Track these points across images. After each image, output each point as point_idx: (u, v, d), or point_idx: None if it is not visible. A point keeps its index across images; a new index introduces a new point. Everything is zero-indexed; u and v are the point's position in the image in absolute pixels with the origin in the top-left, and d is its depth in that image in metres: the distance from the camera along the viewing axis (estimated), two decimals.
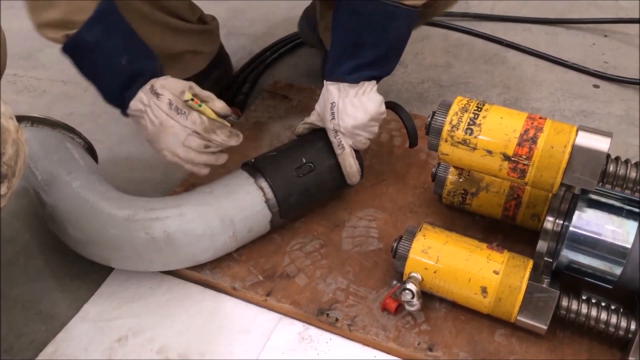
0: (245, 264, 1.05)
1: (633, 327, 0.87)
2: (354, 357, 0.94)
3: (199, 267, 1.03)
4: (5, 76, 1.64)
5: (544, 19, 1.86)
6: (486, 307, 0.92)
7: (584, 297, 0.90)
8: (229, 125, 1.04)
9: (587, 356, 0.91)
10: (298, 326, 0.98)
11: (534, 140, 0.85)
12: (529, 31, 1.82)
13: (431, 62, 1.68)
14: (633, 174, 0.84)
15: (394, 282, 0.96)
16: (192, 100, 0.96)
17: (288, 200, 1.04)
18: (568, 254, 0.88)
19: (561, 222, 0.92)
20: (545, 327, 0.89)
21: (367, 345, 0.95)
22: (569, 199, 0.92)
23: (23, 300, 1.03)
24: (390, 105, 1.09)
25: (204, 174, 1.04)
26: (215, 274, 1.04)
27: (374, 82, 1.05)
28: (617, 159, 0.86)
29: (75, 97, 1.58)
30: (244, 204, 1.01)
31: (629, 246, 0.84)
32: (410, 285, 0.92)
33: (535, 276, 0.91)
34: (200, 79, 1.44)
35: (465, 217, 1.13)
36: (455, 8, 1.87)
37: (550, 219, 0.92)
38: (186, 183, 1.21)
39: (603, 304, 0.90)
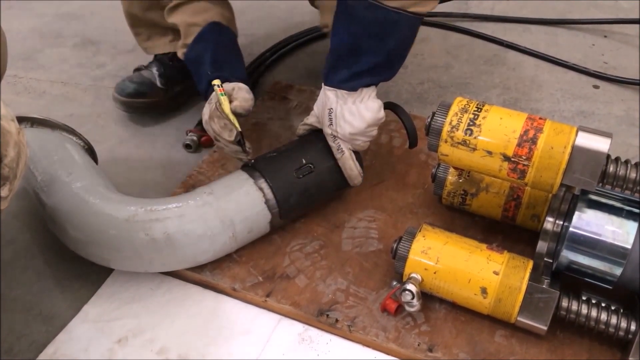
0: (245, 265, 1.05)
1: (633, 327, 0.87)
2: (354, 358, 0.94)
3: (199, 268, 1.03)
4: (5, 77, 1.63)
5: (543, 20, 1.86)
6: (486, 307, 0.92)
7: (584, 298, 0.91)
8: (236, 123, 1.06)
9: (587, 357, 0.91)
10: (298, 327, 0.98)
11: (533, 140, 0.85)
12: (529, 32, 1.83)
13: (431, 62, 1.68)
14: (633, 175, 0.84)
15: (394, 283, 0.96)
16: (219, 87, 1.07)
17: (288, 201, 1.04)
18: (568, 255, 0.88)
19: (561, 222, 0.92)
20: (545, 328, 0.89)
21: (367, 346, 0.95)
22: (569, 200, 0.92)
23: (23, 301, 1.03)
24: (389, 106, 1.09)
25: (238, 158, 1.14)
26: (215, 275, 1.04)
27: (372, 87, 1.04)
28: (617, 159, 0.86)
29: (75, 98, 1.58)
30: (244, 204, 1.01)
31: (629, 247, 0.84)
32: (410, 286, 0.92)
33: (535, 277, 0.91)
34: None
35: (465, 217, 1.13)
36: (455, 9, 1.88)
37: (550, 219, 0.92)
38: (186, 184, 1.21)
39: (603, 305, 0.90)
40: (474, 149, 0.89)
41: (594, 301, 0.90)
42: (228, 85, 1.09)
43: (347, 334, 0.96)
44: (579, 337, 0.93)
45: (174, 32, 1.40)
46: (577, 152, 0.83)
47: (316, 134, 1.11)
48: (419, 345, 0.92)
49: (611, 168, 0.85)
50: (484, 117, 0.89)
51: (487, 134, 0.88)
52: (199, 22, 1.17)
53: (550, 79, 1.62)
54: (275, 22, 1.83)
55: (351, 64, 1.01)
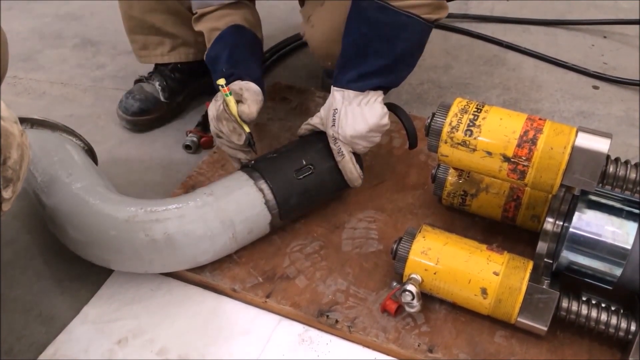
0: (245, 266, 1.05)
1: (633, 328, 0.87)
2: (354, 359, 0.94)
3: (199, 269, 1.03)
4: (5, 78, 1.64)
5: (543, 20, 1.86)
6: (486, 308, 0.92)
7: (584, 298, 0.90)
8: (244, 126, 1.06)
9: (587, 357, 0.91)
10: (298, 328, 0.98)
11: (533, 141, 0.85)
12: (529, 32, 1.83)
13: (431, 63, 1.68)
14: (633, 175, 0.84)
15: (394, 284, 0.96)
16: (223, 87, 1.05)
17: (288, 201, 1.04)
18: (568, 255, 0.88)
19: (561, 223, 0.92)
20: (545, 328, 0.89)
21: (367, 346, 0.95)
22: (569, 200, 0.92)
23: (23, 301, 1.03)
24: (389, 107, 1.09)
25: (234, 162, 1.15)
26: (215, 275, 1.03)
27: (380, 92, 1.05)
28: (616, 160, 0.86)
29: (75, 99, 1.58)
30: (244, 205, 1.01)
31: (629, 247, 0.84)
32: (410, 287, 0.92)
33: (535, 277, 0.91)
34: (200, 74, 1.46)
35: (465, 218, 1.13)
36: (455, 9, 1.88)
37: (550, 220, 0.92)
38: (186, 185, 1.21)
39: (603, 305, 0.90)
40: (474, 150, 0.89)
41: (594, 302, 0.90)
42: (236, 85, 1.08)
43: (347, 335, 0.96)
44: (579, 337, 0.93)
45: (173, 41, 1.41)
46: (577, 153, 0.83)
47: (316, 135, 1.11)
48: (419, 345, 0.92)
49: (611, 168, 0.85)
50: (483, 118, 0.89)
51: (487, 134, 0.88)
52: (221, 26, 1.18)
53: (550, 79, 1.62)
54: (275, 23, 1.84)
55: (360, 64, 1.02)
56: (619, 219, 0.85)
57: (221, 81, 1.07)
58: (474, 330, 0.95)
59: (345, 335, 0.96)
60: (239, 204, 1.01)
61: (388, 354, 0.93)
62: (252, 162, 1.08)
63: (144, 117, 1.43)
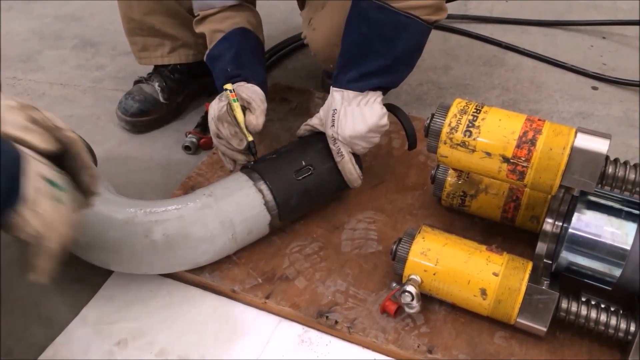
0: (245, 267, 1.05)
1: (633, 328, 0.87)
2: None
3: (199, 270, 1.03)
4: (5, 79, 1.64)
5: (542, 21, 1.87)
6: (486, 309, 0.92)
7: (583, 299, 0.91)
8: (250, 137, 1.06)
9: (587, 357, 0.91)
10: (297, 329, 0.98)
11: (532, 142, 0.85)
12: (528, 33, 1.83)
13: (430, 64, 1.68)
14: (632, 176, 0.84)
15: (394, 285, 0.96)
16: (231, 92, 1.05)
17: (287, 202, 1.04)
18: (567, 256, 0.88)
19: (560, 223, 0.92)
20: (545, 329, 0.89)
21: (367, 347, 0.95)
22: (568, 201, 0.92)
23: (22, 303, 1.03)
24: (389, 108, 1.09)
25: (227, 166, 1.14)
26: (214, 276, 1.03)
27: (379, 92, 1.05)
28: (616, 160, 0.86)
29: (74, 99, 1.58)
30: (243, 206, 1.01)
31: (628, 248, 0.84)
32: (409, 288, 0.92)
33: (534, 278, 0.91)
34: (199, 75, 1.46)
35: (464, 219, 1.13)
36: (454, 10, 1.88)
37: (550, 220, 0.92)
38: (186, 185, 1.21)
39: (603, 306, 0.90)
40: (473, 151, 0.89)
41: (593, 302, 0.90)
42: (243, 91, 1.07)
43: (347, 336, 0.96)
44: (579, 338, 0.93)
45: (172, 42, 1.41)
46: (576, 154, 0.83)
47: (316, 136, 1.11)
48: (418, 346, 0.92)
49: (610, 169, 0.85)
50: (483, 119, 0.89)
51: (486, 135, 0.88)
52: (224, 28, 1.17)
53: (549, 80, 1.62)
54: (274, 24, 1.84)
55: (360, 64, 1.02)
56: (618, 220, 0.85)
57: (228, 86, 1.07)
58: (473, 331, 0.95)
59: (344, 336, 0.96)
60: (238, 204, 1.01)
61: (387, 355, 0.93)
62: (252, 163, 1.08)
63: (144, 118, 1.43)
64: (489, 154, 0.88)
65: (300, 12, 1.37)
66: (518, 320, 0.91)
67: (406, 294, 0.91)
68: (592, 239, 0.86)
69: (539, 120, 0.88)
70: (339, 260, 1.07)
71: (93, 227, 0.97)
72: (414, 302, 0.91)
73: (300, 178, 1.06)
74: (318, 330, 0.97)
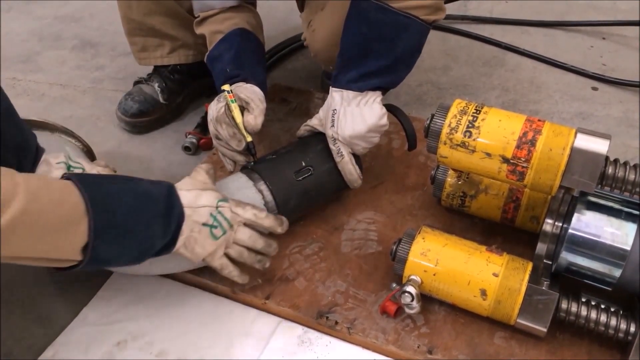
0: (245, 267, 1.05)
1: (633, 329, 0.87)
2: None
3: (199, 271, 1.03)
4: (4, 80, 1.64)
5: (542, 22, 1.87)
6: (486, 309, 0.92)
7: (583, 299, 0.90)
8: (249, 138, 1.06)
9: (587, 358, 0.91)
10: (297, 329, 0.98)
11: (532, 142, 0.85)
12: (528, 34, 1.83)
13: (430, 64, 1.68)
14: (632, 176, 0.84)
15: (394, 285, 0.96)
16: (228, 92, 1.06)
17: (287, 203, 1.04)
18: (567, 256, 0.88)
19: (560, 224, 0.92)
20: (545, 330, 0.89)
21: (367, 348, 0.95)
22: (568, 201, 0.92)
23: (22, 304, 1.03)
24: (388, 108, 1.09)
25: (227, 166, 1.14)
26: (214, 277, 1.03)
27: (379, 92, 1.05)
28: (615, 161, 0.86)
29: (74, 100, 1.58)
30: None
31: (628, 248, 0.84)
32: (409, 288, 0.91)
33: (534, 278, 0.91)
34: (199, 75, 1.46)
35: (464, 219, 1.13)
36: (454, 11, 1.88)
37: (550, 221, 0.92)
38: None
39: (603, 306, 0.89)
40: (473, 151, 0.89)
41: (593, 303, 0.90)
42: (241, 92, 1.07)
43: (347, 336, 0.96)
44: (579, 338, 0.93)
45: (172, 42, 1.41)
46: (576, 154, 0.83)
47: (316, 136, 1.11)
48: (418, 347, 0.92)
49: (610, 170, 0.85)
50: (482, 119, 0.89)
51: (486, 135, 0.88)
52: (223, 29, 1.18)
53: (549, 80, 1.62)
54: (274, 24, 1.84)
55: (360, 65, 1.02)
56: (618, 220, 0.85)
57: (226, 87, 1.06)
58: (473, 331, 0.95)
59: (344, 336, 0.96)
60: None
61: (387, 356, 0.93)
62: (252, 163, 1.08)
63: (143, 118, 1.43)
64: (488, 155, 0.88)
65: (300, 14, 1.37)
66: (518, 320, 0.91)
67: (406, 294, 0.91)
68: (592, 240, 0.86)
69: (539, 120, 0.88)
70: (338, 260, 1.07)
71: None
72: (414, 303, 0.91)
73: (300, 178, 1.06)
74: (318, 330, 0.97)
